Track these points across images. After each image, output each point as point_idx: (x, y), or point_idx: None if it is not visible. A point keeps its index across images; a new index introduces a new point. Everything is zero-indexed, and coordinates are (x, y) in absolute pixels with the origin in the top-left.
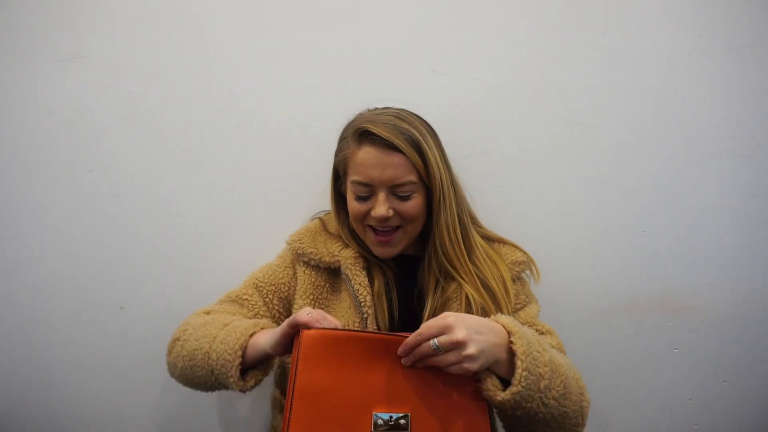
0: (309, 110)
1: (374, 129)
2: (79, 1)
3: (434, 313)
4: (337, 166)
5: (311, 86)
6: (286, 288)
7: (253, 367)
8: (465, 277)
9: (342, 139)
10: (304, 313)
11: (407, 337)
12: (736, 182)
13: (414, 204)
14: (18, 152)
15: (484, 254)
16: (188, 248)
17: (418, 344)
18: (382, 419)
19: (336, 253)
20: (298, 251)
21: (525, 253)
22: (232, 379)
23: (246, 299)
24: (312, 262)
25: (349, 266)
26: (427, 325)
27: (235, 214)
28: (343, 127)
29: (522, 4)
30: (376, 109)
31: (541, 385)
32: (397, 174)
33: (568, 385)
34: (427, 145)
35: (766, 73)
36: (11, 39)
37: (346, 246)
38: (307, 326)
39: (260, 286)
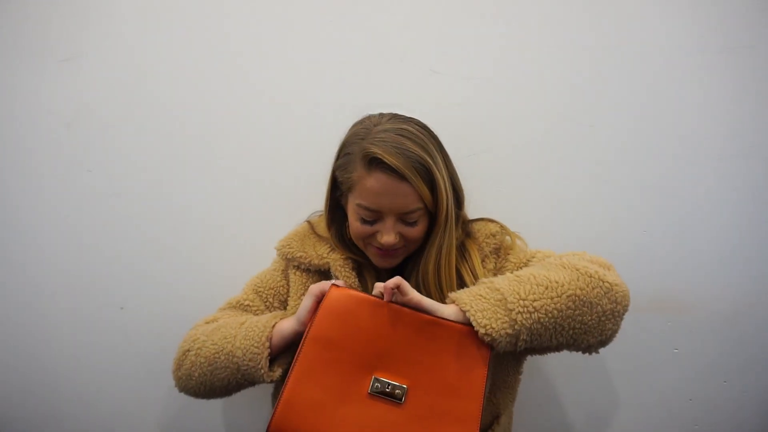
0: (309, 110)
1: (385, 158)
2: (79, 1)
3: None
4: (340, 180)
5: (311, 86)
6: (284, 291)
7: (275, 358)
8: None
9: (345, 154)
10: (328, 283)
11: (425, 315)
12: (736, 182)
13: (420, 229)
14: (18, 152)
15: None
16: (189, 248)
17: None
18: (380, 383)
19: (325, 256)
20: (288, 256)
21: (497, 222)
22: (262, 371)
23: (248, 304)
24: (302, 266)
25: (339, 268)
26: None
27: (236, 213)
28: (345, 135)
29: (522, 4)
30: (380, 118)
31: (509, 301)
32: (407, 202)
33: (553, 284)
34: (437, 167)
35: (765, 73)
36: (11, 39)
37: (335, 248)
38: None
39: (260, 291)
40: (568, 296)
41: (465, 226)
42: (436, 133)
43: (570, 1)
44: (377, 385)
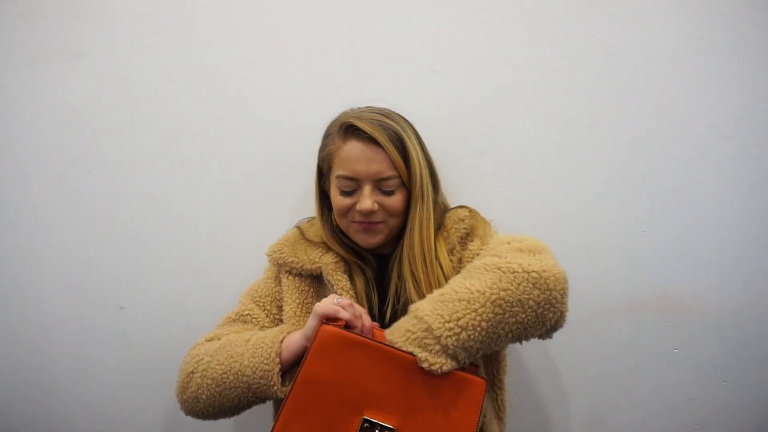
0: (310, 111)
1: (359, 124)
2: (79, 1)
3: (395, 317)
4: (321, 163)
5: (312, 87)
6: (280, 297)
7: (285, 372)
8: (422, 283)
9: (326, 136)
10: (331, 302)
11: (414, 357)
12: (736, 182)
13: (398, 199)
14: (18, 152)
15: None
16: (189, 248)
17: None
18: (369, 424)
19: (317, 260)
20: (279, 261)
21: (467, 207)
22: (275, 387)
23: (248, 314)
24: (294, 271)
25: (330, 272)
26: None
27: (236, 214)
28: (327, 125)
29: (522, 4)
30: (360, 108)
31: (434, 328)
32: (382, 168)
33: (474, 295)
34: (410, 141)
35: (766, 72)
36: (11, 39)
37: (326, 251)
38: (332, 320)
39: (257, 300)
40: (493, 302)
41: (442, 218)
42: (435, 133)
43: (571, 2)
44: (366, 426)
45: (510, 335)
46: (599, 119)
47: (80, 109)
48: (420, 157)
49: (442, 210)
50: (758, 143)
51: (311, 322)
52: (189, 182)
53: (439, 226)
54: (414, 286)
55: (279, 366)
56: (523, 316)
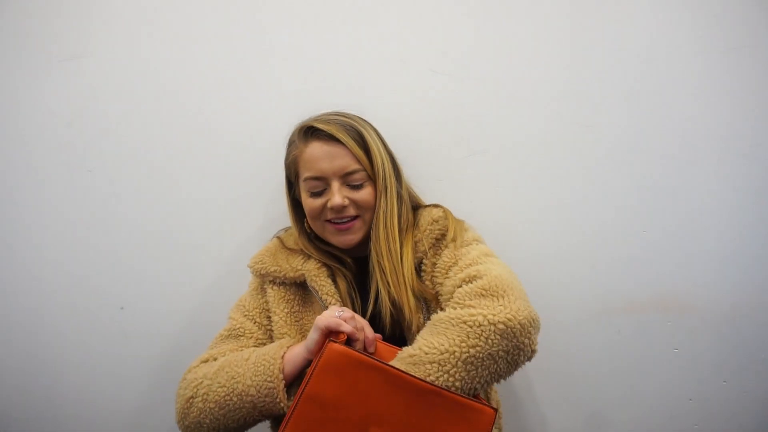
0: (310, 111)
1: (318, 125)
2: (79, 2)
3: (373, 317)
4: (288, 171)
5: (312, 87)
6: (267, 307)
7: (289, 386)
8: (388, 274)
9: (289, 144)
10: (332, 314)
11: (425, 383)
12: (735, 182)
13: (367, 192)
14: (18, 152)
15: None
16: (189, 248)
17: None
18: None
19: (299, 267)
20: (262, 272)
21: (441, 207)
22: (282, 404)
23: (240, 329)
24: (278, 280)
25: (314, 278)
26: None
27: (236, 214)
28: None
29: (522, 4)
30: (317, 114)
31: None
32: (346, 162)
33: (444, 356)
34: (369, 134)
35: (765, 72)
36: (11, 39)
37: (308, 258)
38: (333, 333)
39: (246, 314)
40: (464, 361)
41: (413, 214)
42: (435, 133)
43: (571, 2)
44: None
45: (486, 384)
46: (599, 119)
47: (80, 109)
48: (380, 149)
49: (409, 204)
50: (758, 143)
51: (313, 335)
52: (189, 182)
53: (409, 222)
54: (381, 276)
55: (284, 382)
56: (495, 366)
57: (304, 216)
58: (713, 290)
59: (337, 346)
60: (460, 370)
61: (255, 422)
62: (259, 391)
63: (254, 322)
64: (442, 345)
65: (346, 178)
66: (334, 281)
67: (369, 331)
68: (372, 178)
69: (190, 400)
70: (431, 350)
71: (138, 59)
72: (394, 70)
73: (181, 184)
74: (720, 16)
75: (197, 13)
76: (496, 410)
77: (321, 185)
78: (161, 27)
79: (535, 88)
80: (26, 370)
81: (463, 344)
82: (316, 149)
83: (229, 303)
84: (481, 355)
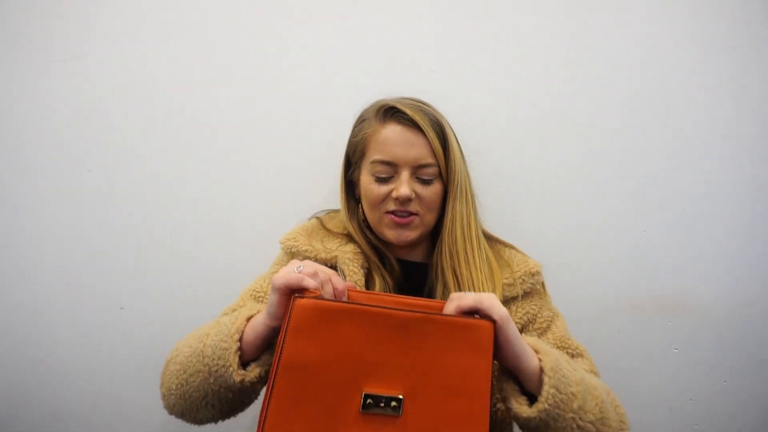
0: (310, 111)
1: (400, 107)
2: (80, 2)
3: None
4: (352, 149)
5: (312, 87)
6: None
7: (256, 359)
8: (464, 281)
9: (360, 122)
10: (292, 269)
11: (411, 313)
12: (735, 182)
13: (435, 190)
14: (18, 152)
15: (485, 260)
16: (189, 248)
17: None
18: (372, 399)
19: (333, 249)
20: (292, 249)
21: (536, 262)
22: (231, 369)
23: (242, 307)
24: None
25: (347, 261)
26: (460, 300)
27: (236, 214)
28: (360, 112)
29: (523, 4)
30: (395, 96)
31: (574, 406)
32: (422, 153)
33: (605, 411)
34: (449, 131)
35: (766, 72)
36: (12, 39)
37: (348, 242)
38: (300, 292)
39: (258, 296)
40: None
41: (489, 237)
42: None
43: (571, 3)
44: (369, 402)
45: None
46: (599, 119)
47: (80, 109)
48: (458, 149)
49: (480, 224)
50: (758, 143)
51: (272, 298)
52: (189, 182)
53: (484, 246)
54: (455, 283)
55: (237, 344)
56: None
57: (356, 200)
58: (713, 290)
59: (305, 301)
60: (599, 403)
61: (216, 395)
62: (213, 352)
63: (262, 303)
64: (577, 372)
65: (417, 171)
66: (368, 276)
67: (337, 281)
68: (443, 177)
69: (167, 365)
70: (586, 371)
71: (138, 59)
72: (395, 70)
73: (181, 184)
74: (720, 16)
75: (198, 12)
76: (495, 322)
77: (390, 171)
78: (161, 27)
79: (535, 87)
80: (26, 370)
81: (607, 395)
82: (393, 132)
83: (229, 302)
84: (610, 414)
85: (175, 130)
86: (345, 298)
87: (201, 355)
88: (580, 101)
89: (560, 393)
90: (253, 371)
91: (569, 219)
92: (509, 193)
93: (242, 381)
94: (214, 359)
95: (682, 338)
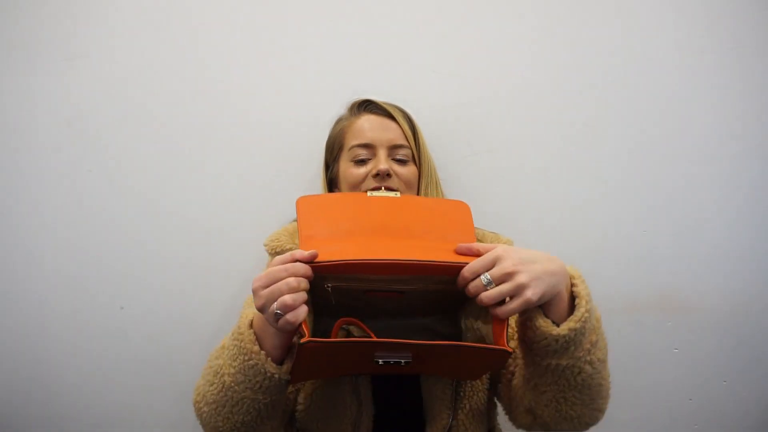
0: (310, 111)
1: (373, 99)
2: (79, 1)
3: None
4: (330, 146)
5: (312, 87)
6: None
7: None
8: None
9: (336, 122)
10: (271, 316)
11: (405, 260)
12: (736, 182)
13: (411, 170)
14: (18, 152)
15: None
16: (189, 248)
17: (468, 282)
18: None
19: None
20: (277, 250)
21: (509, 239)
22: (274, 373)
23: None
24: None
25: None
26: (476, 261)
27: (236, 214)
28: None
29: (524, 4)
30: None
31: (593, 338)
32: (396, 136)
33: (606, 360)
34: (416, 123)
35: (766, 72)
36: (12, 39)
37: None
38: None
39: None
40: (599, 385)
41: None
42: (436, 133)
43: (573, 2)
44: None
45: (593, 378)
46: (599, 119)
47: (80, 109)
48: (425, 145)
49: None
50: (758, 143)
51: (276, 341)
52: (189, 182)
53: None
54: None
55: (263, 353)
56: (604, 380)
57: None
58: (713, 290)
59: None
60: (604, 346)
61: (272, 406)
62: (246, 375)
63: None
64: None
65: (393, 151)
66: None
67: (300, 254)
68: (416, 160)
69: (198, 407)
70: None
71: (138, 59)
72: (395, 70)
73: (181, 184)
74: (725, 15)
75: (197, 12)
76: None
77: (367, 153)
78: (161, 27)
79: (535, 87)
80: (26, 370)
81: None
82: (368, 121)
83: (229, 302)
84: (607, 364)
85: (175, 131)
86: (316, 254)
87: (234, 384)
88: (580, 101)
89: (589, 320)
90: (286, 365)
91: (569, 219)
92: (509, 194)
93: (277, 373)
94: (251, 379)
95: (682, 338)
